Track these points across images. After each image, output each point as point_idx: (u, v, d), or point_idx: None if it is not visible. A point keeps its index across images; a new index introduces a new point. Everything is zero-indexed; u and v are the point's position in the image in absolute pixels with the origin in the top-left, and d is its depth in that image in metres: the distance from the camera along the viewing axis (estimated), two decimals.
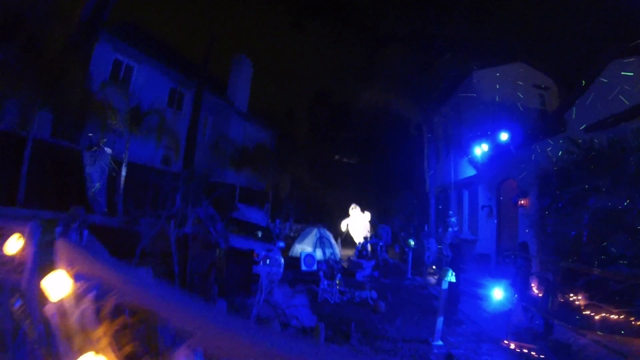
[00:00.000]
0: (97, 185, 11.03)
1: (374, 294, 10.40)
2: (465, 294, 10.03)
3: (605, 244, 6.42)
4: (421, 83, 17.22)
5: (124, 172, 11.97)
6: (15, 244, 2.56)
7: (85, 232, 5.06)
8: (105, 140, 12.12)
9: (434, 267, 14.18)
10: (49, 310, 1.93)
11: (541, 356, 6.16)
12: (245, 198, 19.47)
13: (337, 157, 32.60)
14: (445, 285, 7.22)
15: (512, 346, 6.83)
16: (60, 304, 1.87)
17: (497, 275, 11.14)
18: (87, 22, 13.01)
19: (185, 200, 7.88)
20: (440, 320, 7.08)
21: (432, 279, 13.11)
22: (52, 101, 11.12)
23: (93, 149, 11.26)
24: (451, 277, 7.15)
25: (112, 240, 8.49)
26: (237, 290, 7.97)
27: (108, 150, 11.78)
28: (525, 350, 6.57)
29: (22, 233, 2.56)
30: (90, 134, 12.12)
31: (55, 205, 5.15)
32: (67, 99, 11.18)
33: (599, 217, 6.08)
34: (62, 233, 4.76)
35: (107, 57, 15.57)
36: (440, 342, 7.03)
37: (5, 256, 2.56)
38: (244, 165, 19.94)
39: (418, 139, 20.25)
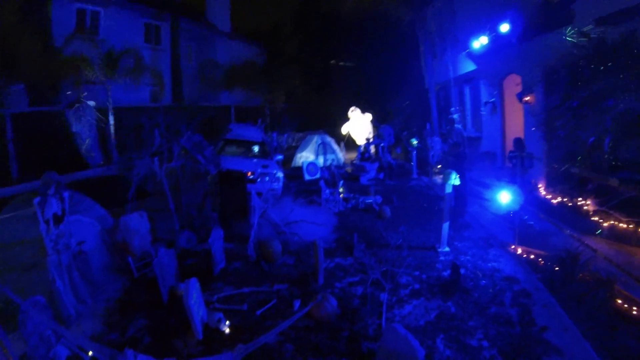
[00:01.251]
0: (87, 140, 11.11)
1: (379, 199, 10.18)
2: (472, 195, 9.74)
3: (626, 151, 5.90)
4: None
5: (111, 120, 11.96)
6: None
7: (66, 194, 4.90)
8: (85, 93, 11.93)
9: (439, 166, 13.94)
10: None
11: (548, 263, 5.99)
12: (243, 116, 19.46)
13: (332, 61, 31.23)
14: (449, 190, 6.89)
15: (519, 251, 6.66)
16: None
17: (503, 175, 10.82)
18: None
19: (167, 133, 7.62)
20: (445, 226, 6.89)
21: (438, 179, 12.77)
22: (20, 72, 11.02)
23: (75, 106, 11.15)
24: (455, 180, 6.79)
25: (112, 190, 8.58)
26: (236, 215, 7.94)
27: (91, 103, 11.72)
28: (532, 257, 6.42)
29: None
30: (69, 92, 11.97)
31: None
32: (34, 65, 11.00)
33: (623, 122, 5.39)
34: (41, 202, 4.61)
35: (69, 8, 14.83)
36: (447, 249, 6.93)
37: None
38: (235, 84, 19.66)
39: (413, 37, 18.90)
